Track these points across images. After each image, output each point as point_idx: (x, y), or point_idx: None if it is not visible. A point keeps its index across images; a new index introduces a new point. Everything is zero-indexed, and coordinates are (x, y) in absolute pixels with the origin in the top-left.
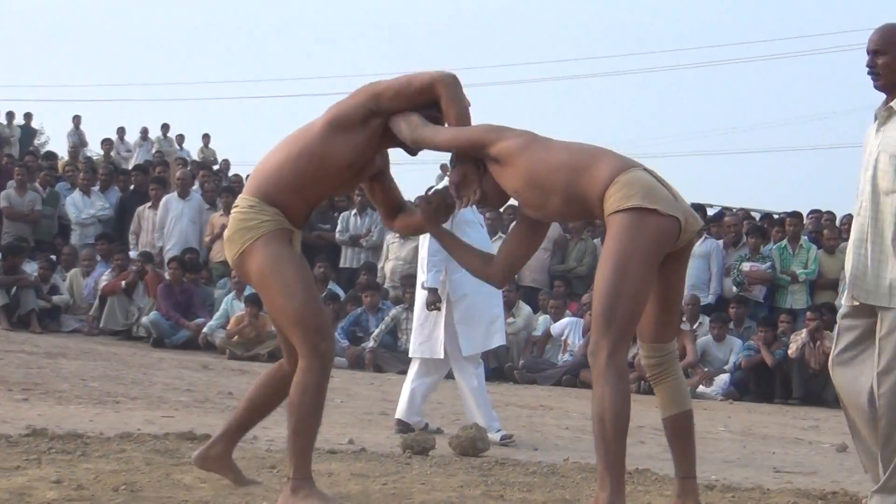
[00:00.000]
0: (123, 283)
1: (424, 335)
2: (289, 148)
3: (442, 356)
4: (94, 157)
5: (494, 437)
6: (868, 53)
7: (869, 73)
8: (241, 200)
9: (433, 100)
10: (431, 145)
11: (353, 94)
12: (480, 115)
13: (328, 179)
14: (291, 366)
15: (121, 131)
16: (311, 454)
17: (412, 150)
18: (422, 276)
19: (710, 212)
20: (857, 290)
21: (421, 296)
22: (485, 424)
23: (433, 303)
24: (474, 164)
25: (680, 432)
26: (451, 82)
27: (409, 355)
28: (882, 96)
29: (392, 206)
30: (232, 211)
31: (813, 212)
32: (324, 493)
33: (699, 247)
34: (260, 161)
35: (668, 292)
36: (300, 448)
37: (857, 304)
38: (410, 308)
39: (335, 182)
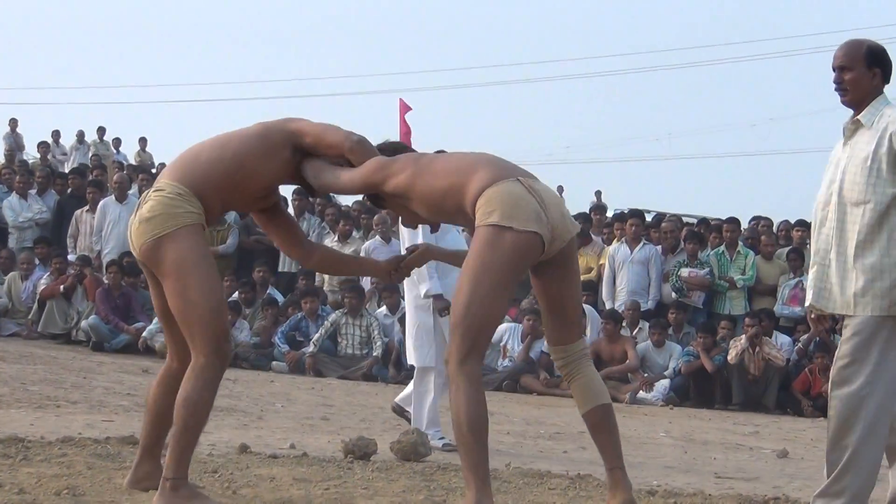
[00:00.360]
0: (62, 287)
1: (417, 342)
2: (222, 149)
3: (433, 364)
4: (31, 161)
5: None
6: (834, 70)
7: (836, 90)
8: (168, 186)
9: (341, 156)
10: (335, 189)
11: (280, 122)
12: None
13: (247, 193)
14: (179, 363)
15: (56, 134)
16: (192, 453)
17: (314, 193)
18: (421, 286)
19: (648, 217)
20: (823, 300)
21: (412, 305)
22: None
23: (444, 308)
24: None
25: (600, 425)
26: (358, 148)
27: (408, 363)
28: (849, 112)
29: (293, 240)
30: (155, 193)
31: (754, 218)
32: (205, 495)
33: (638, 253)
34: (188, 151)
35: (557, 297)
36: (185, 446)
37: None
38: (350, 313)
39: (250, 198)
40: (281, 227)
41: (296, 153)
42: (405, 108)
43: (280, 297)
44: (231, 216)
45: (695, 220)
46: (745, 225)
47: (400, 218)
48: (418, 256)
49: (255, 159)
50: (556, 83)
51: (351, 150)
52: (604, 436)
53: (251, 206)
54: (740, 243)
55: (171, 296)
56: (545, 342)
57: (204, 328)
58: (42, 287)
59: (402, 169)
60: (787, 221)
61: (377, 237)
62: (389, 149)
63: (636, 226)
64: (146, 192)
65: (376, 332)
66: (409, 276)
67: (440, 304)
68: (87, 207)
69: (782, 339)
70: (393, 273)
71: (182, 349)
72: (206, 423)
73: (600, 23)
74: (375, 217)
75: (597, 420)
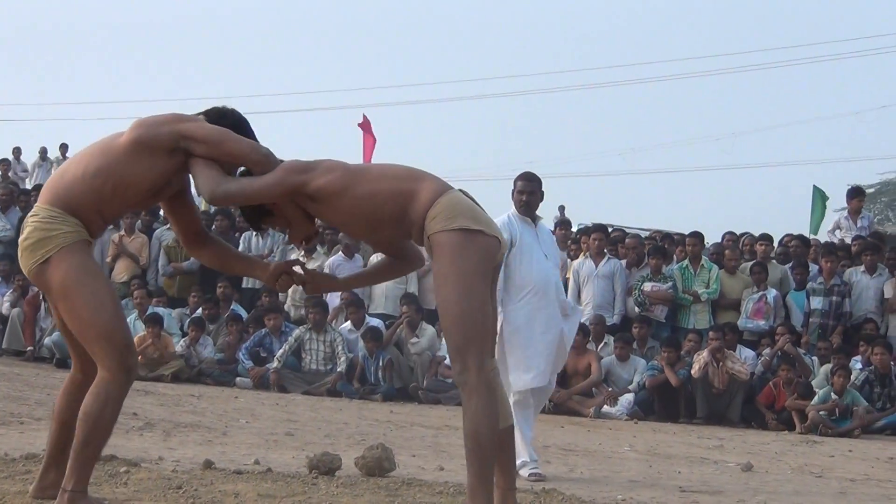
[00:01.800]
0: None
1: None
2: (87, 163)
3: (519, 389)
4: None
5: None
6: None
7: None
8: (41, 210)
9: (241, 166)
10: (244, 197)
11: (163, 120)
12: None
13: (126, 199)
14: (85, 374)
15: (16, 151)
16: (93, 467)
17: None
18: None
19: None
20: None
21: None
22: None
23: None
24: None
25: (501, 445)
26: (264, 161)
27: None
28: None
29: (190, 228)
30: (29, 220)
31: (728, 233)
32: None
33: (603, 267)
34: (58, 171)
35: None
36: (86, 459)
37: None
38: (314, 328)
39: (133, 201)
40: (181, 216)
41: (180, 152)
42: (367, 124)
43: (244, 313)
44: None
45: (646, 234)
46: (717, 239)
47: (288, 235)
48: (314, 278)
49: (127, 170)
50: (519, 98)
51: (257, 163)
52: (504, 456)
53: (143, 206)
54: (704, 257)
55: (67, 318)
56: None
57: (103, 344)
58: (6, 304)
59: (331, 170)
60: (750, 235)
61: (340, 253)
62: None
63: (599, 240)
64: (26, 217)
65: (340, 348)
66: (291, 285)
67: None
68: None
69: (746, 352)
70: (279, 280)
71: (85, 360)
72: (108, 437)
73: (563, 38)
74: (340, 234)
75: (502, 439)
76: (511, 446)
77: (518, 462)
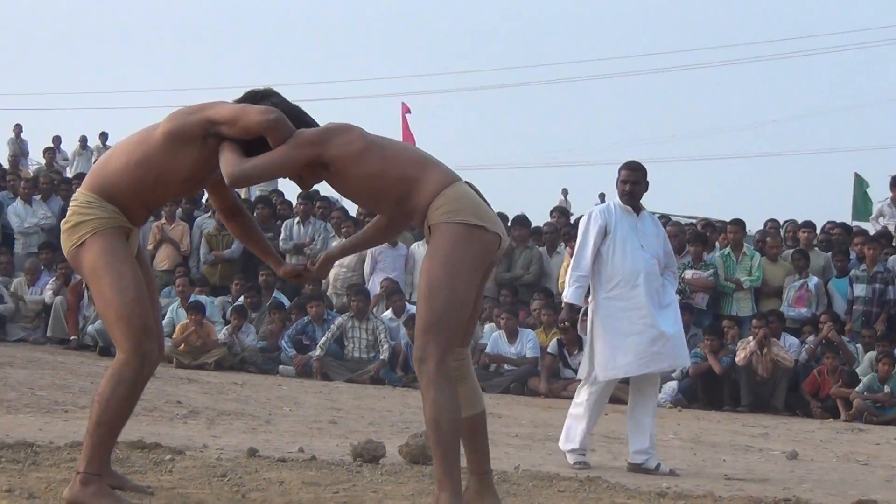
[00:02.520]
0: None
1: (584, 355)
2: (129, 154)
3: (582, 377)
4: (35, 166)
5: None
6: None
7: None
8: (80, 195)
9: (259, 137)
10: (268, 172)
11: (191, 110)
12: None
13: (167, 188)
14: None
15: (57, 140)
16: (109, 450)
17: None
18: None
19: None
20: None
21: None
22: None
23: (563, 320)
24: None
25: (475, 431)
26: (275, 126)
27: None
28: None
29: (224, 202)
30: (71, 204)
31: (770, 221)
32: (115, 493)
33: None
34: (101, 159)
35: (476, 300)
36: (100, 441)
37: None
38: (356, 316)
39: (174, 191)
40: (215, 187)
41: (212, 139)
42: (406, 110)
43: (286, 301)
44: None
45: (688, 221)
46: (759, 227)
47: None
48: (321, 266)
49: (165, 160)
50: (560, 85)
51: (268, 130)
52: (478, 441)
53: (186, 193)
54: (746, 245)
55: (95, 299)
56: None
57: (122, 326)
58: (48, 292)
59: (350, 143)
60: (793, 222)
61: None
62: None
63: None
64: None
65: (383, 336)
66: (306, 282)
67: (563, 315)
68: None
69: (790, 340)
70: (291, 279)
71: None
72: (123, 420)
73: (603, 25)
74: None
75: (474, 426)
76: (483, 431)
77: (568, 446)
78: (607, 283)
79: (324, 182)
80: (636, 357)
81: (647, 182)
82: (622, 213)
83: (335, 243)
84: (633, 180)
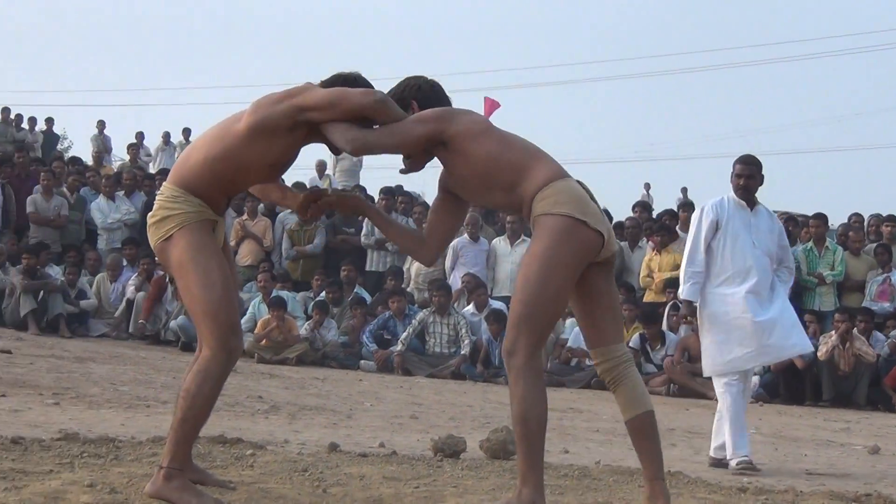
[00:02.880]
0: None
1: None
2: (208, 148)
3: (707, 374)
4: (118, 162)
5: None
6: None
7: None
8: (166, 189)
9: (363, 119)
10: (388, 144)
11: (276, 99)
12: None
13: (247, 179)
14: None
15: (140, 136)
16: (191, 445)
17: (337, 150)
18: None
19: None
20: None
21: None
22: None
23: (685, 316)
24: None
25: (643, 434)
26: (382, 107)
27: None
28: None
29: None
30: (157, 198)
31: (855, 215)
32: (197, 487)
33: None
34: (183, 154)
35: (603, 295)
36: (184, 437)
37: None
38: (437, 311)
39: (255, 179)
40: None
41: (301, 128)
42: (492, 105)
43: (367, 297)
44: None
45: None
46: (842, 221)
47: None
48: (343, 199)
49: (246, 154)
50: (641, 80)
51: (377, 111)
52: (647, 444)
53: (265, 180)
54: (829, 239)
55: (181, 294)
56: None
57: (209, 321)
58: (130, 287)
59: (474, 122)
60: (877, 216)
61: (465, 235)
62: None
63: None
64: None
65: (464, 331)
66: (321, 214)
67: (683, 311)
68: None
69: (874, 335)
70: (309, 210)
71: None
72: (206, 415)
73: (686, 21)
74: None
75: (640, 428)
76: (648, 434)
77: (728, 451)
78: (716, 277)
79: (406, 176)
80: (743, 351)
81: (763, 176)
82: (735, 207)
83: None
84: (748, 174)
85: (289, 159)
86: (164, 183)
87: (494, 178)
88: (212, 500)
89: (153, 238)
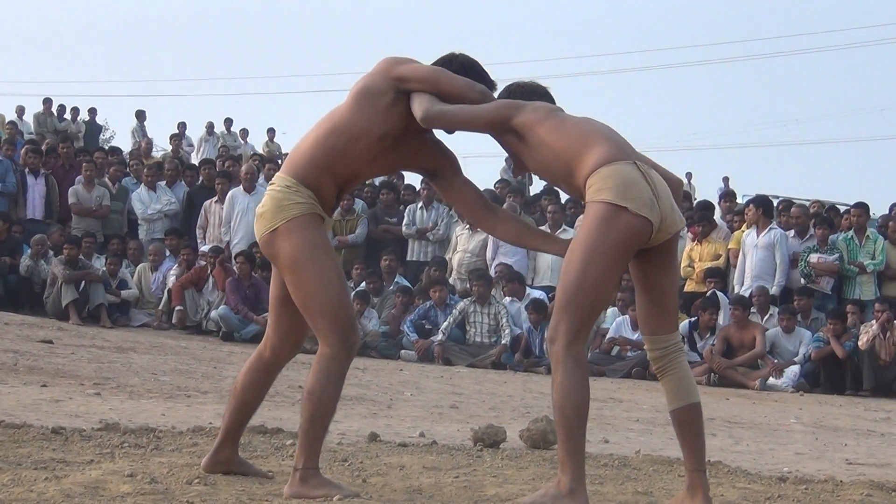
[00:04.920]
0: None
1: None
2: (317, 131)
3: None
4: (160, 153)
5: None
6: None
7: None
8: (279, 179)
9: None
10: (454, 118)
11: (380, 69)
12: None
13: (359, 154)
14: (274, 354)
15: (181, 126)
16: (322, 444)
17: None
18: None
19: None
20: None
21: None
22: None
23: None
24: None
25: (687, 425)
26: (481, 99)
27: None
28: None
29: (468, 201)
30: (269, 188)
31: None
32: (335, 483)
33: (763, 237)
34: (296, 143)
35: (656, 285)
36: (315, 437)
37: None
38: (478, 301)
39: (366, 154)
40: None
41: (405, 97)
42: None
43: (409, 286)
44: (359, 205)
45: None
46: (884, 211)
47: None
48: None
49: (354, 122)
50: (683, 70)
51: (473, 101)
52: (691, 436)
53: (378, 158)
54: (870, 229)
55: (292, 291)
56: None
57: (327, 319)
58: (171, 277)
59: (536, 109)
60: None
61: None
62: (519, 91)
63: (753, 211)
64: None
65: (504, 320)
66: None
67: None
68: (216, 198)
69: None
70: None
71: (279, 341)
72: (333, 413)
73: (725, 9)
74: (504, 206)
75: (685, 419)
76: (693, 426)
77: None
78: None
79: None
80: None
81: None
82: None
83: (458, 228)
84: None
85: (397, 132)
86: (276, 173)
87: (552, 168)
88: (351, 492)
89: (260, 229)
